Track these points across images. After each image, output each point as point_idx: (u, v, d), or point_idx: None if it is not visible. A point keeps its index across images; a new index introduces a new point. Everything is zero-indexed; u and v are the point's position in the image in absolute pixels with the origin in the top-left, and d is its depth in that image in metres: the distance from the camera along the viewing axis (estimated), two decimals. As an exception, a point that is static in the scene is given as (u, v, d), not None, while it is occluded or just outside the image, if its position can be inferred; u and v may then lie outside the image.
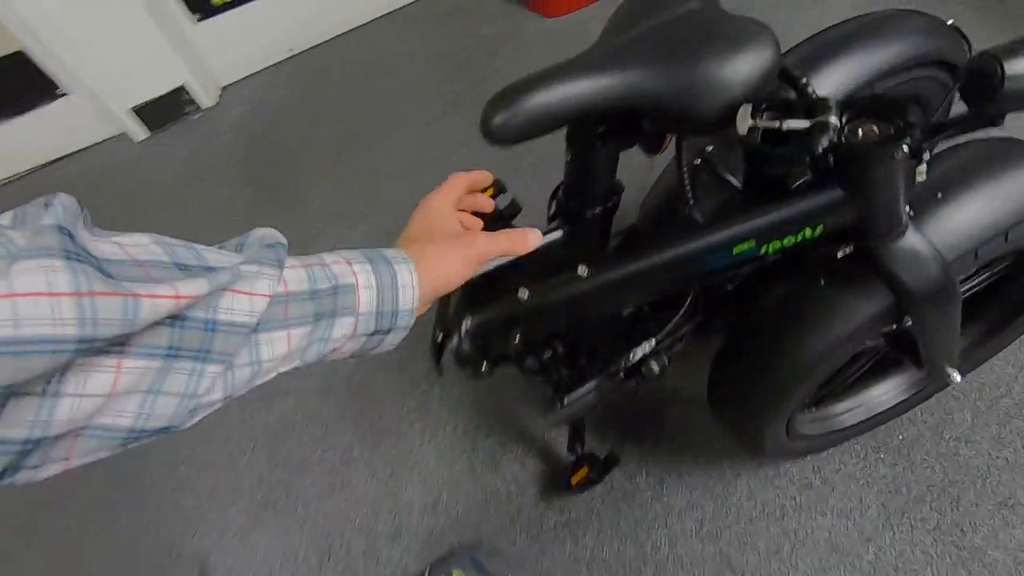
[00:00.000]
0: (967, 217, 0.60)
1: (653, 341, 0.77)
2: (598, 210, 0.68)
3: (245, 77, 2.17)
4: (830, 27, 0.78)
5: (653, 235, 0.77)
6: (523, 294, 0.61)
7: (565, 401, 0.79)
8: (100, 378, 0.28)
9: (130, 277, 0.28)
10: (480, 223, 0.55)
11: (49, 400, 0.26)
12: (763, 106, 0.50)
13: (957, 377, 0.79)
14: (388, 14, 2.25)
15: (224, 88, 2.15)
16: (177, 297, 0.28)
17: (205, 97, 2.06)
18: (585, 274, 0.59)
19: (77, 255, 0.26)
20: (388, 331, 0.41)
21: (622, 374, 0.79)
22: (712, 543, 1.04)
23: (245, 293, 0.32)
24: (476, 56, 2.01)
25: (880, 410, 0.98)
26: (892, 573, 0.97)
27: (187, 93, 2.01)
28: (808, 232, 0.54)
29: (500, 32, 2.07)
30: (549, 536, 1.09)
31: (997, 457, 1.04)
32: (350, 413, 1.31)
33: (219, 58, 2.07)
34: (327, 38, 2.21)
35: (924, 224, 0.58)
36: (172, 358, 0.30)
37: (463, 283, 0.46)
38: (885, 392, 0.95)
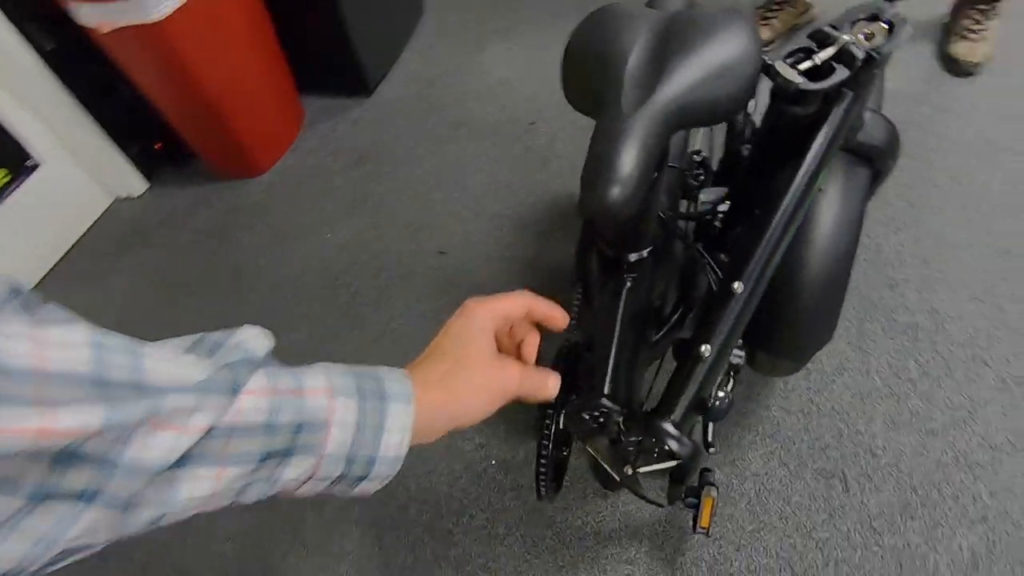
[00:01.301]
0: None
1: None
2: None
3: None
4: None
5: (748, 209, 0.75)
6: (705, 351, 0.54)
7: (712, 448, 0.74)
8: None
9: (13, 398, 0.22)
10: (519, 359, 0.45)
11: None
12: (786, 57, 0.56)
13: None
14: (63, 260, 1.75)
15: None
16: (41, 431, 0.22)
17: None
18: (740, 289, 0.56)
19: None
20: (362, 478, 0.35)
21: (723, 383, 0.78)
22: (802, 472, 1.10)
23: (173, 428, 0.26)
24: (208, 251, 1.71)
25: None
26: (895, 378, 1.17)
27: None
28: (843, 144, 0.61)
29: (218, 211, 1.81)
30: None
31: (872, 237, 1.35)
32: None
33: None
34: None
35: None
36: (37, 500, 0.24)
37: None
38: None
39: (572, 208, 1.57)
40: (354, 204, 1.73)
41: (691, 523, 1.01)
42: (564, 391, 0.82)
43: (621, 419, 0.58)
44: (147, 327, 1.56)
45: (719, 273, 0.85)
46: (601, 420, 0.59)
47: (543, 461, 0.83)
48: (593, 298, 0.75)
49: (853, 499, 1.06)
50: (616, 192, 0.47)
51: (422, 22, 2.25)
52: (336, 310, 1.50)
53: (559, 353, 0.86)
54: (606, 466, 0.61)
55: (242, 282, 1.61)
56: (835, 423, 1.14)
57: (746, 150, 0.83)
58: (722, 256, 0.87)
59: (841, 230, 0.75)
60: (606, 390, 0.59)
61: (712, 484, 0.98)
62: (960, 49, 1.62)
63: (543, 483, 0.85)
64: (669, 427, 0.54)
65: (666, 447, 0.54)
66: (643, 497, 0.62)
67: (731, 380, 0.82)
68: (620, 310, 0.63)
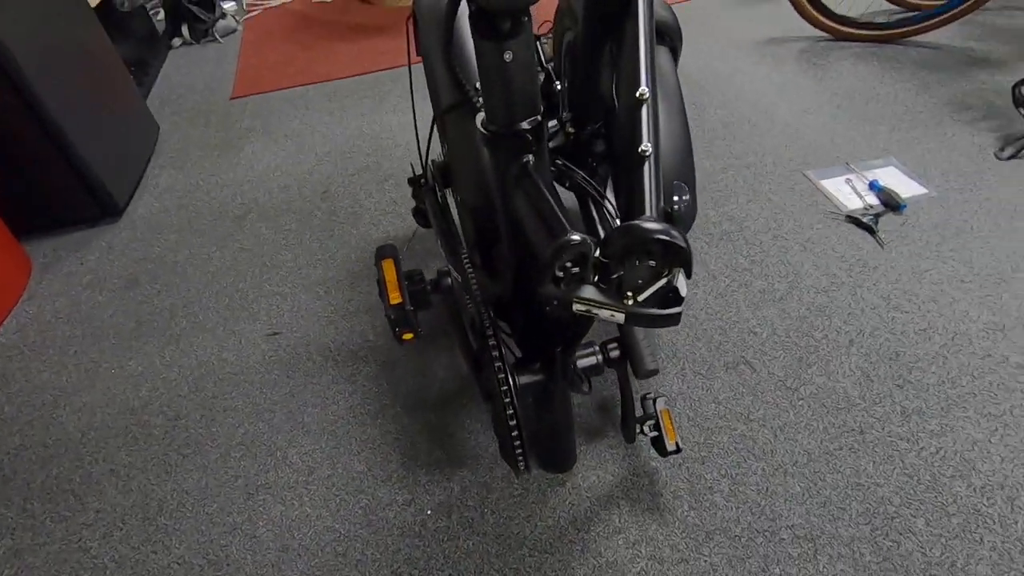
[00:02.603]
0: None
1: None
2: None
3: None
4: None
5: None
6: (645, 148, 0.53)
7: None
8: None
9: None
10: None
11: None
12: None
13: None
14: None
15: None
16: None
17: None
18: (647, 93, 0.56)
19: None
20: None
21: None
22: (714, 372, 1.14)
23: None
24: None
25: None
26: (735, 272, 1.33)
27: None
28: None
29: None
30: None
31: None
32: None
33: None
34: None
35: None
36: None
37: None
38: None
39: (401, 241, 1.51)
40: (138, 327, 1.40)
41: (658, 451, 0.97)
42: (500, 351, 0.73)
43: (597, 248, 0.52)
44: None
45: (591, 181, 0.87)
46: (575, 267, 0.52)
47: (514, 424, 0.71)
48: (495, 205, 0.69)
49: (762, 374, 1.13)
50: None
51: (161, 139, 2.05)
52: (155, 447, 1.14)
53: (474, 325, 0.77)
54: (607, 314, 0.53)
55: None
56: (714, 323, 1.23)
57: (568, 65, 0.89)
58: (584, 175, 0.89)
59: (672, 112, 0.84)
60: (567, 227, 0.53)
61: (658, 397, 0.96)
62: None
63: (520, 454, 0.72)
64: (652, 224, 0.50)
65: (659, 242, 0.50)
66: (664, 317, 0.53)
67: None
68: (536, 177, 0.59)
